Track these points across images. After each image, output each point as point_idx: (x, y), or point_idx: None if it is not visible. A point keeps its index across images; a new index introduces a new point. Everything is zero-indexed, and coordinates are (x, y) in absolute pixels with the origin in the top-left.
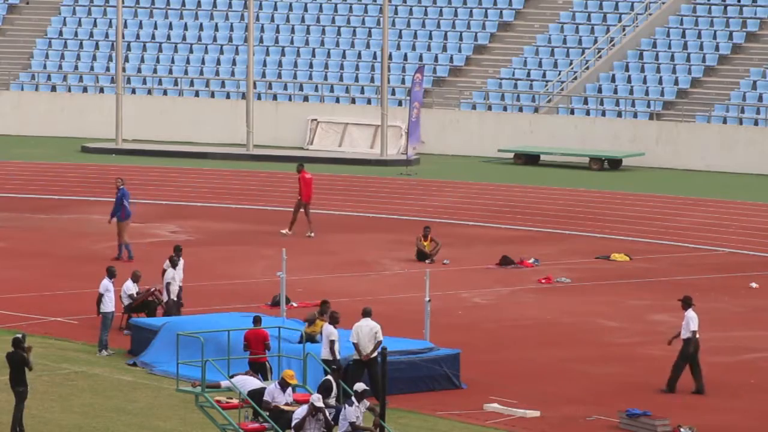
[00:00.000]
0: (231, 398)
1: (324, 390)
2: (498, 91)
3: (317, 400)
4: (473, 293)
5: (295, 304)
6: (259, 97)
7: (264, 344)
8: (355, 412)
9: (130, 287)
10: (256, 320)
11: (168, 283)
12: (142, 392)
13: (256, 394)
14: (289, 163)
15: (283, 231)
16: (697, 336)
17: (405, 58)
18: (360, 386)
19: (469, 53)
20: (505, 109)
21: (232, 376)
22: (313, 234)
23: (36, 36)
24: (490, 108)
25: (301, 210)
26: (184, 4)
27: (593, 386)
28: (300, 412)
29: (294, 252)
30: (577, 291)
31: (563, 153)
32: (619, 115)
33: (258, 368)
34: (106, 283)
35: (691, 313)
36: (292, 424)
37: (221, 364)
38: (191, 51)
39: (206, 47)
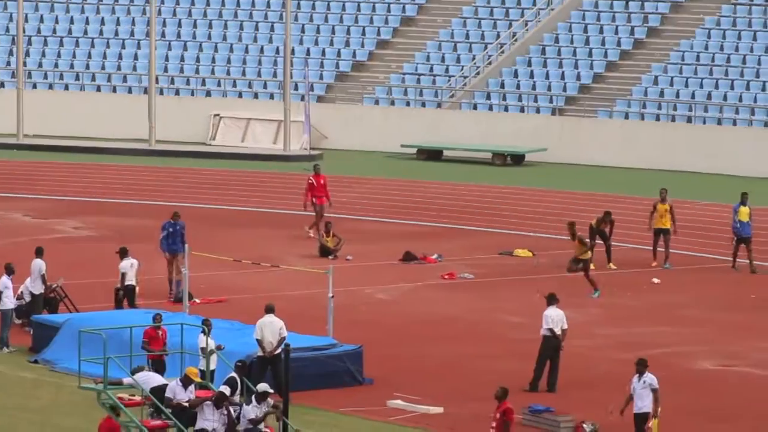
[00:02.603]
0: (134, 395)
1: (229, 386)
2: (401, 86)
3: (225, 389)
4: (376, 289)
5: (197, 300)
6: (161, 92)
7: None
8: (253, 411)
9: (29, 284)
10: (156, 318)
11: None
12: (45, 389)
13: (159, 391)
14: (192, 158)
15: (309, 232)
16: (558, 334)
17: (308, 53)
18: (262, 387)
19: (372, 48)
20: (407, 104)
21: (135, 371)
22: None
23: None
24: (393, 103)
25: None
26: None
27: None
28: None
29: (196, 248)
30: (480, 287)
31: (466, 148)
32: (522, 110)
33: (158, 365)
34: (5, 280)
35: (550, 311)
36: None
37: (123, 361)
38: (93, 45)
39: (108, 42)
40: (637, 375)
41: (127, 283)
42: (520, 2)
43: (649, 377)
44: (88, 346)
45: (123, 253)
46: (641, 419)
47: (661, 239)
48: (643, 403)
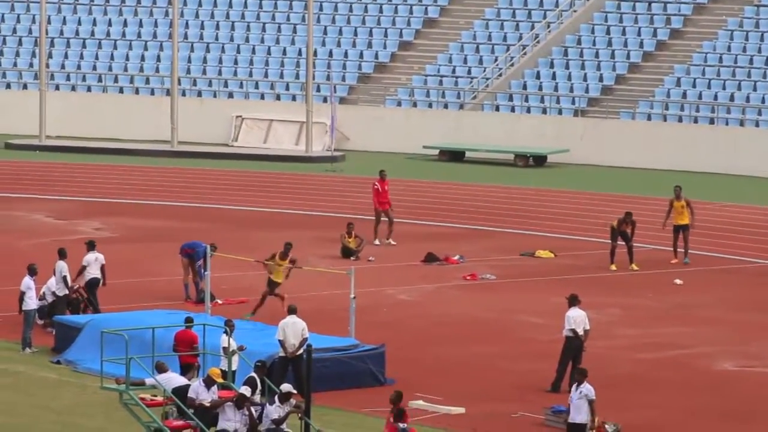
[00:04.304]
0: (155, 395)
1: (249, 386)
2: (423, 88)
3: (245, 390)
4: (398, 290)
5: (220, 301)
6: (183, 94)
7: (191, 347)
8: (276, 411)
9: (53, 284)
10: (188, 320)
11: None
12: (67, 390)
13: (181, 392)
14: (214, 160)
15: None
16: (580, 335)
17: (330, 54)
18: (286, 387)
19: (395, 50)
20: (430, 105)
21: (159, 366)
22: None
23: None
24: (415, 105)
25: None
26: (107, 0)
27: (518, 383)
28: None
29: (220, 249)
30: (502, 288)
31: (488, 150)
32: (544, 111)
33: (186, 370)
34: (28, 281)
35: (573, 312)
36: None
37: (146, 362)
38: (115, 47)
39: (130, 43)
40: (575, 385)
41: (91, 276)
42: (542, 4)
43: (586, 388)
44: (110, 347)
45: (90, 246)
46: (576, 430)
47: (680, 235)
48: (579, 414)
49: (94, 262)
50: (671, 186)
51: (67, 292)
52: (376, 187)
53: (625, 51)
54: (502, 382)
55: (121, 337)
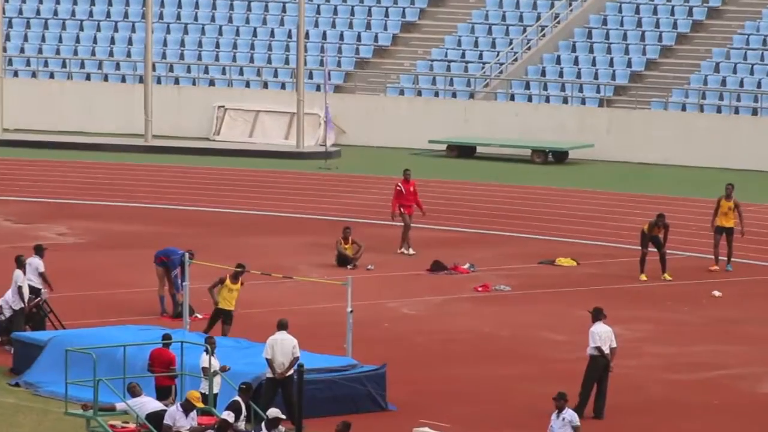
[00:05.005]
0: (127, 422)
1: (232, 411)
2: (429, 75)
3: (228, 415)
4: (401, 303)
5: (199, 316)
6: (158, 81)
7: (168, 368)
8: None
9: (10, 297)
10: (165, 338)
11: None
12: (26, 416)
13: (156, 418)
14: (193, 156)
15: (410, 251)
16: (606, 353)
17: (324, 36)
18: (274, 412)
19: (396, 31)
20: (436, 94)
21: (131, 389)
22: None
23: None
24: (419, 93)
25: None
26: None
27: (536, 408)
28: None
29: (201, 257)
30: (517, 300)
31: (502, 144)
32: (565, 101)
33: (163, 394)
34: None
35: (597, 327)
36: None
37: (116, 384)
38: (81, 28)
39: (98, 24)
40: (556, 411)
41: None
42: None
43: (569, 413)
44: (75, 367)
45: (35, 251)
46: None
47: (723, 239)
48: None
49: (27, 266)
50: (709, 185)
51: (23, 305)
52: (398, 188)
53: (656, 33)
54: (517, 407)
55: (89, 356)
